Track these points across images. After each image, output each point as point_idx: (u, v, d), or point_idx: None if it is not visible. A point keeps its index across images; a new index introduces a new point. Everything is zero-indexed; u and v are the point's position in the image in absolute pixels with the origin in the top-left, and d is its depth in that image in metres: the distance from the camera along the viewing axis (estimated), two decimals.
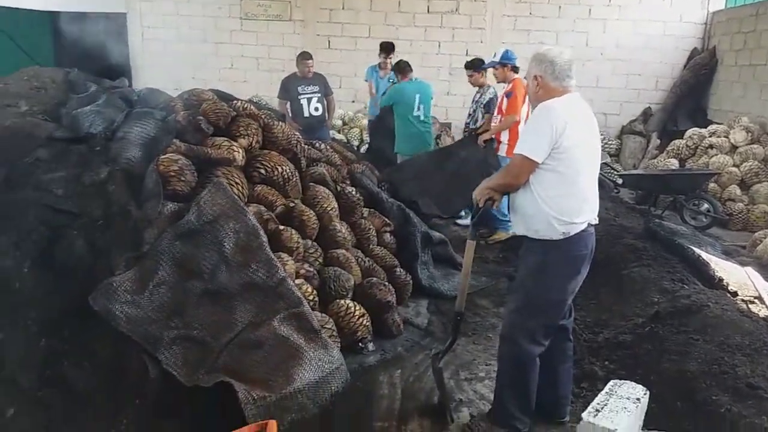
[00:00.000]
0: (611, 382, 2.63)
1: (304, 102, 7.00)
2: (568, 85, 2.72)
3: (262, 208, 3.90)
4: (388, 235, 4.84)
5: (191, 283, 3.22)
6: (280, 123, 4.65)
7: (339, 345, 3.42)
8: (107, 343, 3.02)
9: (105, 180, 3.47)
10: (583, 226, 2.71)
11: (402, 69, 6.72)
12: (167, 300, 3.16)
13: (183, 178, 3.56)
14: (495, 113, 5.87)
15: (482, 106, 6.41)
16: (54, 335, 3.05)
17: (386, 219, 4.90)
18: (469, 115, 6.65)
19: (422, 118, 6.58)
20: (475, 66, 6.42)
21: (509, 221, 5.59)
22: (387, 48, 7.56)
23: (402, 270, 4.49)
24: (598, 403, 2.44)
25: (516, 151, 2.71)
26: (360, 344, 3.68)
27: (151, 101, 4.36)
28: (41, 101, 4.22)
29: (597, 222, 2.82)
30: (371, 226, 4.69)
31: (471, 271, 3.08)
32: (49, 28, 11.04)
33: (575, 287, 2.83)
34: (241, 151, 4.07)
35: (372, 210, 4.89)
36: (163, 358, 2.98)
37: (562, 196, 2.65)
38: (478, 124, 6.43)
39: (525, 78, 2.84)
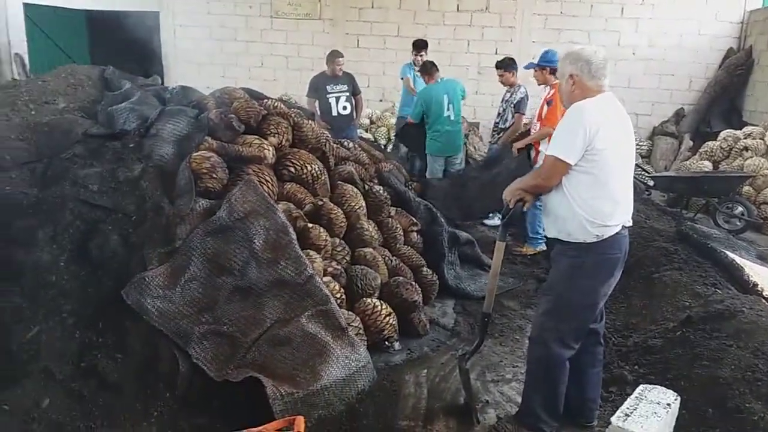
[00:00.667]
0: (641, 387, 2.60)
1: (332, 101, 7.03)
2: (603, 84, 2.68)
3: (292, 205, 3.94)
4: (415, 234, 4.84)
5: (222, 279, 3.27)
6: (310, 122, 4.69)
7: (365, 343, 3.44)
8: (140, 337, 3.09)
9: (139, 176, 3.54)
10: (617, 229, 2.68)
11: (428, 70, 6.65)
12: (198, 295, 3.21)
13: (215, 176, 3.61)
14: (535, 120, 5.63)
15: (512, 105, 6.36)
16: (89, 328, 3.12)
17: (413, 218, 4.90)
18: (499, 114, 6.60)
19: (452, 117, 6.53)
20: (505, 65, 6.37)
21: (541, 239, 5.54)
22: (418, 45, 7.53)
23: (428, 269, 4.49)
24: (628, 408, 2.42)
25: (548, 152, 2.68)
26: (386, 343, 3.70)
27: (183, 99, 4.44)
28: (78, 98, 4.32)
29: (631, 224, 2.78)
30: (398, 225, 4.70)
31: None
32: (85, 26, 11.30)
33: (608, 290, 2.79)
34: (271, 149, 4.11)
35: (399, 209, 4.90)
36: (193, 352, 3.04)
37: (596, 199, 2.62)
38: (507, 124, 6.39)
39: (557, 77, 2.80)
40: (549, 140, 4.29)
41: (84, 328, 3.13)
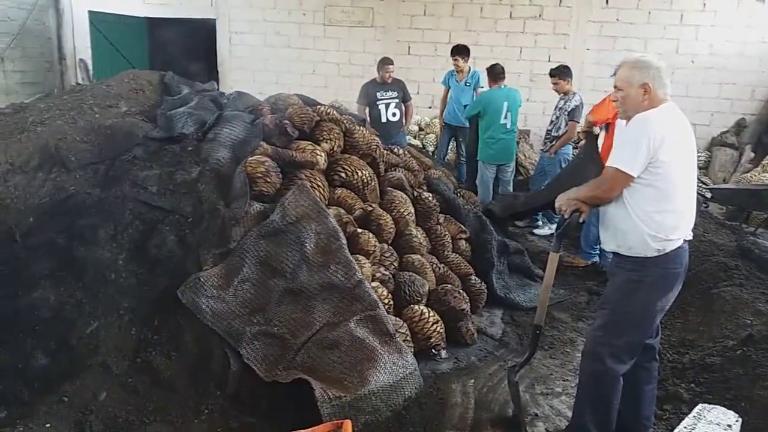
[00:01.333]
0: (699, 406, 2.50)
1: (382, 107, 7.06)
2: (667, 93, 2.63)
3: (342, 210, 3.97)
4: (463, 242, 4.81)
5: (274, 281, 3.32)
6: (361, 128, 4.72)
7: (412, 350, 3.43)
8: (193, 335, 3.17)
9: (196, 179, 3.64)
10: (679, 243, 2.60)
11: (496, 75, 6.59)
12: (250, 296, 3.27)
13: (269, 180, 3.68)
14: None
15: (566, 113, 6.26)
16: (145, 325, 3.22)
17: (462, 226, 4.87)
18: (551, 122, 6.50)
19: (508, 126, 6.47)
20: (560, 73, 6.29)
21: (594, 253, 5.41)
22: (458, 50, 7.48)
23: (477, 278, 4.45)
24: (685, 427, 2.32)
25: (610, 163, 2.60)
26: (433, 351, 3.68)
27: (240, 104, 4.54)
28: (139, 102, 4.47)
29: (691, 237, 2.69)
30: (447, 233, 4.68)
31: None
32: (146, 33, 11.69)
33: (666, 305, 2.71)
34: (323, 154, 4.16)
35: (448, 216, 4.88)
36: (244, 352, 3.09)
37: (659, 212, 2.55)
38: (560, 132, 6.29)
39: (616, 86, 2.71)
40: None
41: (140, 324, 3.23)
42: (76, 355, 3.10)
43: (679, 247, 2.60)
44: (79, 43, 11.12)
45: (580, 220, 2.86)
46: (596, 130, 5.20)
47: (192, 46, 11.96)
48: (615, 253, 2.73)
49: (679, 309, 4.19)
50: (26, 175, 3.80)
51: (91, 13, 10.86)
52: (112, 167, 3.82)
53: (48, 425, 2.81)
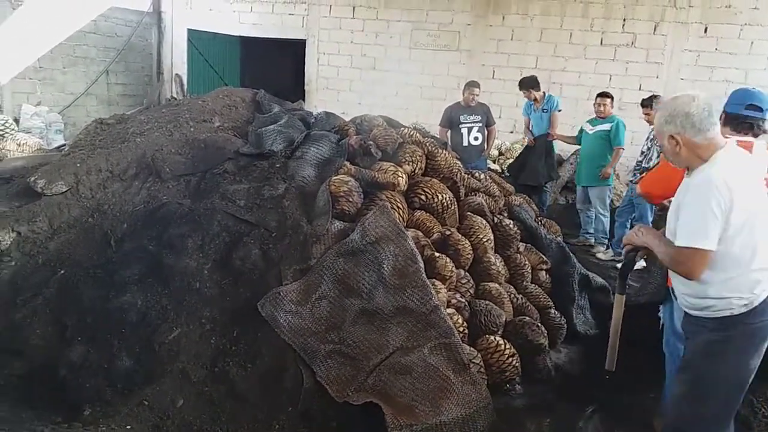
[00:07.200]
0: None
1: (464, 131, 7.03)
2: (714, 134, 2.33)
3: (420, 233, 3.94)
4: (543, 273, 4.66)
5: (350, 300, 3.33)
6: (443, 151, 4.70)
7: (485, 382, 3.33)
8: (269, 349, 3.20)
9: (282, 195, 3.72)
10: (766, 294, 2.34)
11: None
12: (327, 314, 3.29)
13: (351, 199, 3.71)
14: None
15: (658, 144, 5.99)
16: (224, 335, 3.29)
17: (543, 256, 4.72)
18: (642, 153, 6.26)
19: None
20: (652, 103, 6.05)
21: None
22: (523, 84, 7.41)
23: (556, 312, 4.29)
24: None
25: (682, 242, 2.31)
26: (507, 385, 3.56)
27: (327, 124, 4.63)
28: (232, 118, 4.65)
29: None
30: (527, 262, 4.54)
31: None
32: (238, 51, 12.23)
33: (758, 362, 2.41)
34: (405, 176, 4.16)
35: (528, 245, 4.74)
36: (317, 370, 3.10)
37: (740, 276, 2.30)
38: (651, 164, 6.03)
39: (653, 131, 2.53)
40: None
41: (220, 334, 3.30)
42: (157, 359, 3.19)
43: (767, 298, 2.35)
44: (177, 59, 11.77)
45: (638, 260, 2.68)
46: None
47: (281, 65, 12.40)
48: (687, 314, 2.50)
49: None
50: (123, 182, 4.02)
51: (189, 31, 11.48)
52: (203, 179, 3.98)
53: (129, 427, 2.90)
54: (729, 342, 2.36)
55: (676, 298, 2.62)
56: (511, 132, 10.31)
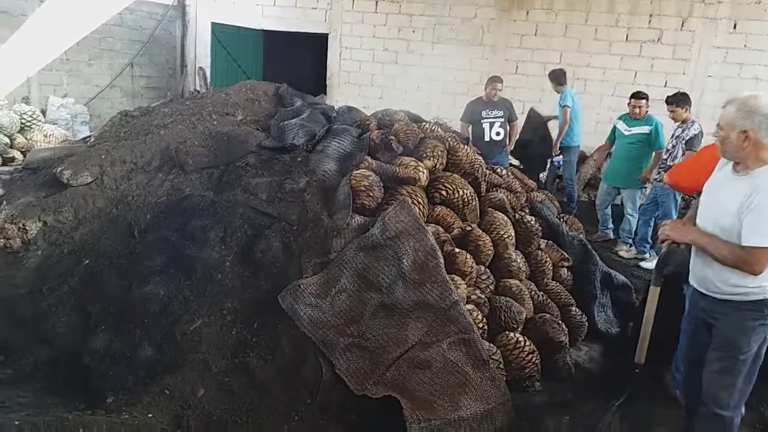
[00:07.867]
0: None
1: (486, 126, 6.99)
2: None
3: (440, 229, 3.93)
4: (565, 270, 4.62)
5: (369, 294, 3.33)
6: (465, 146, 4.68)
7: (505, 378, 3.32)
8: (289, 341, 3.23)
9: (303, 189, 3.74)
10: None
11: None
12: (346, 307, 3.30)
13: (371, 194, 3.71)
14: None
15: (684, 142, 5.91)
16: (245, 326, 3.32)
17: (564, 253, 4.68)
18: (667, 150, 6.16)
19: None
20: (678, 100, 5.96)
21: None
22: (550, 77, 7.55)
23: (577, 309, 4.25)
24: None
25: (754, 242, 2.41)
26: (526, 382, 3.54)
27: (348, 118, 4.64)
28: (254, 112, 4.67)
29: None
30: (548, 259, 4.50)
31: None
32: (261, 45, 12.28)
33: None
34: (425, 171, 4.15)
35: (550, 242, 4.70)
36: (337, 363, 3.12)
37: None
38: (676, 162, 5.94)
39: (719, 124, 2.54)
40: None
41: (240, 326, 3.33)
42: (179, 349, 3.23)
43: None
44: (200, 52, 11.84)
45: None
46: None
47: (304, 59, 12.42)
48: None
49: None
50: (147, 174, 4.07)
51: (213, 24, 11.55)
52: (225, 172, 4.01)
53: (150, 415, 2.94)
54: (763, 320, 2.50)
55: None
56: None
